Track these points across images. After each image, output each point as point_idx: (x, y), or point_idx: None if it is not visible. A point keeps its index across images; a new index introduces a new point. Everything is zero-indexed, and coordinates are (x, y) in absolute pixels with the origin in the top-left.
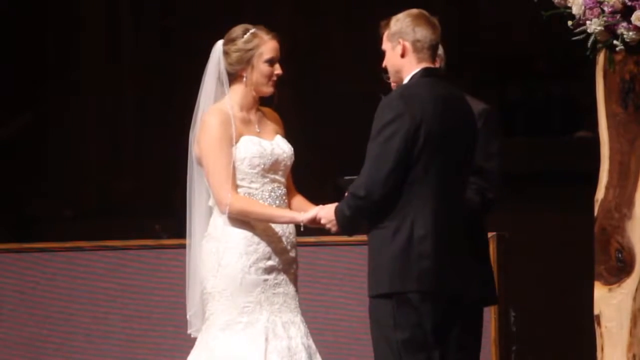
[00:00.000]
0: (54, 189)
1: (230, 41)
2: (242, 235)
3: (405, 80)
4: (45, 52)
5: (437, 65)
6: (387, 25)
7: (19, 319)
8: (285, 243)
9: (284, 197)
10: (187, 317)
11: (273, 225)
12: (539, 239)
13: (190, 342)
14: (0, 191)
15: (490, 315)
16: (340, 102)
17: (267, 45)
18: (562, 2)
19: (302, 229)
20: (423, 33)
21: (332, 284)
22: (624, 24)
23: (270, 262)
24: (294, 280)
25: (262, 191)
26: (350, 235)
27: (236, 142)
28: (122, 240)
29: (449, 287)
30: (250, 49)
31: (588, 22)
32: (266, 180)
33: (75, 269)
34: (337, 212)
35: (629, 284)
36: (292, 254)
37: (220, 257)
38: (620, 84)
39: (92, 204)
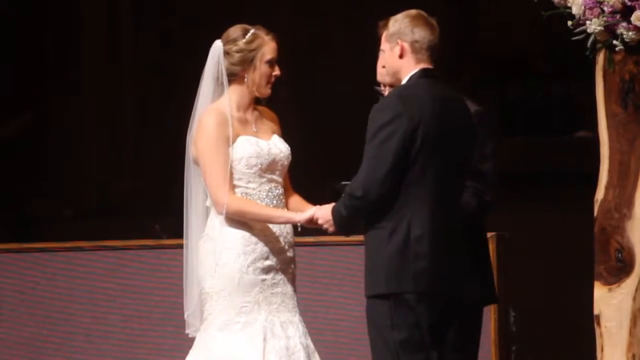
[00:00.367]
0: (54, 189)
1: (231, 41)
2: (240, 236)
3: (404, 81)
4: (45, 52)
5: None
6: (386, 25)
7: (19, 319)
8: (282, 243)
9: (281, 197)
10: (185, 316)
11: (270, 225)
12: (539, 239)
13: (190, 342)
14: (0, 191)
15: (490, 315)
16: (339, 103)
17: (269, 46)
18: (562, 2)
19: (299, 229)
20: (421, 34)
21: (332, 284)
22: (624, 24)
23: (268, 262)
24: (292, 280)
25: (260, 191)
26: (347, 235)
27: (233, 142)
28: (122, 240)
29: (446, 287)
30: (252, 50)
31: (588, 22)
32: (263, 180)
33: (75, 269)
34: (334, 212)
35: (629, 284)
36: (290, 253)
37: (218, 257)
38: (620, 84)
39: (92, 204)
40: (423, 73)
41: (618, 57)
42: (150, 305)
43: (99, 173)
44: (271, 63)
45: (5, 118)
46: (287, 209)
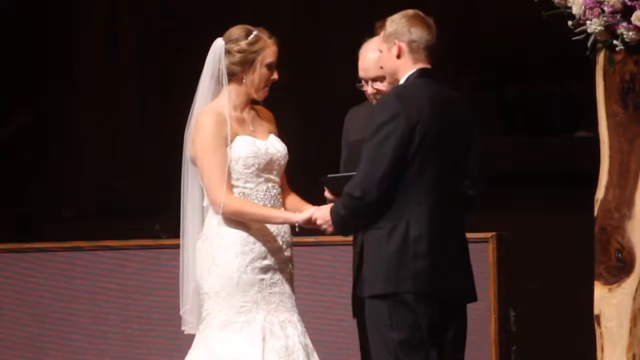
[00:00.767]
0: (54, 189)
1: (233, 41)
2: (238, 235)
3: (402, 81)
4: (45, 52)
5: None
6: (383, 26)
7: (19, 319)
8: (280, 242)
9: (278, 197)
10: (181, 313)
11: (268, 225)
12: (539, 239)
13: (189, 342)
14: (0, 191)
15: (490, 315)
16: (338, 103)
17: (270, 50)
18: (562, 2)
19: (297, 229)
20: (418, 34)
21: (332, 284)
22: (624, 24)
23: (266, 262)
24: (290, 280)
25: (257, 191)
26: (345, 235)
27: (231, 142)
28: (122, 240)
29: (445, 287)
30: (254, 51)
31: (588, 22)
32: (261, 180)
33: (75, 269)
34: (333, 212)
35: (629, 284)
36: (288, 253)
37: (216, 257)
38: (620, 84)
39: (92, 204)
40: (421, 73)
41: (618, 57)
42: (150, 305)
43: (99, 173)
44: (271, 67)
45: (5, 118)
46: (285, 209)
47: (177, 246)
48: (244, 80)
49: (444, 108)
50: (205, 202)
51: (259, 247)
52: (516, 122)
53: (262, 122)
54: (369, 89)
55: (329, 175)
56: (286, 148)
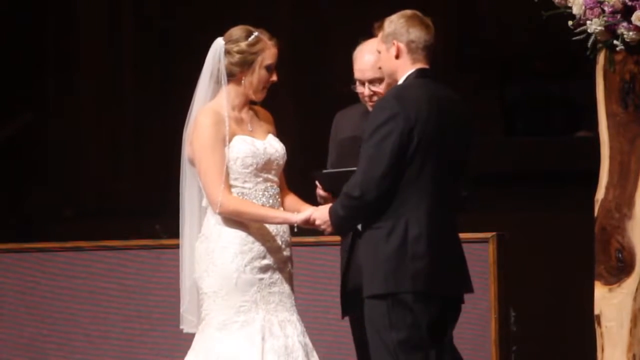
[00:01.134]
0: (54, 189)
1: (233, 41)
2: (237, 235)
3: (400, 82)
4: (45, 52)
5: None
6: (381, 26)
7: (19, 319)
8: (279, 242)
9: (277, 197)
10: (181, 311)
11: (267, 224)
12: (539, 239)
13: (189, 341)
14: (0, 191)
15: (490, 315)
16: (338, 103)
17: (270, 52)
18: (562, 2)
19: (295, 230)
20: (417, 34)
21: (332, 284)
22: (624, 24)
23: (265, 261)
24: (290, 279)
25: (256, 190)
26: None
27: (229, 142)
28: (122, 241)
29: (444, 287)
30: (254, 53)
31: (588, 22)
32: (259, 179)
33: (75, 269)
34: (332, 212)
35: (629, 284)
36: (287, 252)
37: (215, 257)
38: (620, 84)
39: (92, 204)
40: (419, 73)
41: (618, 57)
42: (150, 305)
43: (99, 173)
44: (270, 69)
45: (5, 118)
46: (283, 209)
47: (177, 246)
48: (242, 81)
49: (442, 108)
50: (204, 202)
51: (258, 247)
52: (516, 122)
53: (261, 122)
54: (365, 90)
55: (324, 171)
56: (285, 148)
